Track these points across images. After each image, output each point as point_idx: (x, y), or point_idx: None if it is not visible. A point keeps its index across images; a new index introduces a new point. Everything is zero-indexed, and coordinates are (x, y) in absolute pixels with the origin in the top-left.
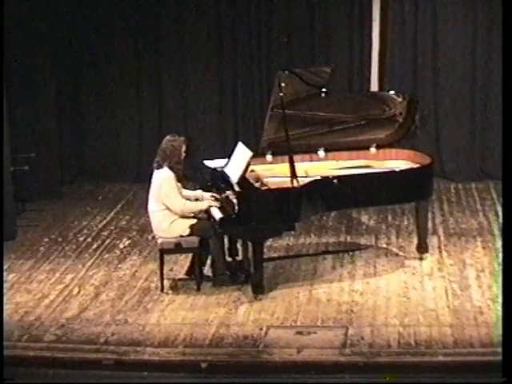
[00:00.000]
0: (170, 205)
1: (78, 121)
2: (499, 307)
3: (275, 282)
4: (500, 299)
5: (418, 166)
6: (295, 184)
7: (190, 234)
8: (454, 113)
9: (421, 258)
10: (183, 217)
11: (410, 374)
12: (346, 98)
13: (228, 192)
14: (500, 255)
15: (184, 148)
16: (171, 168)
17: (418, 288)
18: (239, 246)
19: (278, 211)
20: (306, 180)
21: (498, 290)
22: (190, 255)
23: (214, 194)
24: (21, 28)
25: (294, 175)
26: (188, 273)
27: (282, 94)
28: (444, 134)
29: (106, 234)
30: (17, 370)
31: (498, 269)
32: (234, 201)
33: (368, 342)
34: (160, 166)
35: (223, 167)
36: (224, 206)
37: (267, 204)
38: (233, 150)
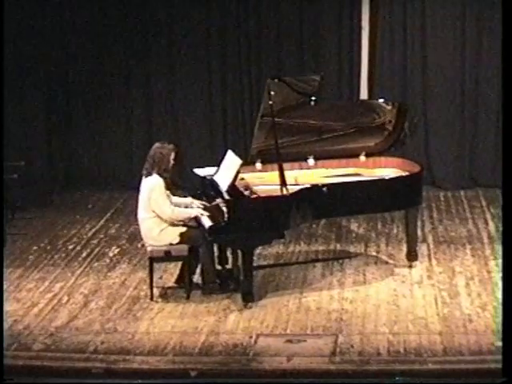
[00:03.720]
0: (159, 211)
1: (67, 129)
2: (489, 315)
3: (265, 290)
4: (489, 307)
5: (407, 174)
6: (285, 192)
7: (180, 242)
8: (444, 121)
9: (410, 266)
10: (173, 225)
11: (399, 382)
12: (336, 106)
13: (218, 200)
14: (489, 263)
15: (173, 156)
16: (160, 175)
17: (407, 296)
18: (229, 254)
19: (268, 219)
20: (296, 188)
21: (487, 297)
22: (180, 263)
23: (204, 202)
24: (10, 36)
25: (283, 183)
26: (178, 281)
27: (271, 103)
28: (433, 142)
29: (95, 242)
30: (5, 379)
31: (488, 276)
32: (224, 209)
33: (358, 349)
34: (149, 174)
35: (213, 175)
36: (213, 214)
37: (257, 212)
38: (222, 158)
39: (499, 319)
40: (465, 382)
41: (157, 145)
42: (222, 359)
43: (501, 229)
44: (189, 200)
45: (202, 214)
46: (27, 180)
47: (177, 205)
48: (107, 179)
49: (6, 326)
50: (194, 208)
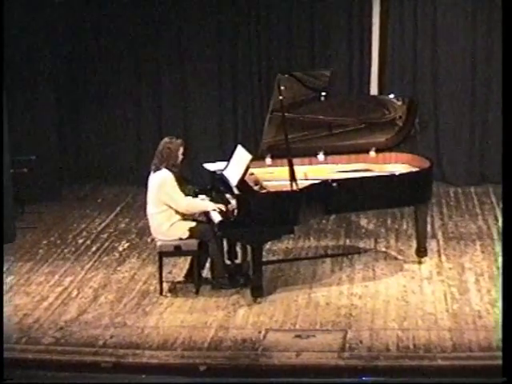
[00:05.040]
0: (173, 204)
1: (77, 123)
2: (498, 311)
3: (274, 285)
4: (499, 302)
5: (417, 169)
6: (294, 187)
7: (190, 237)
8: (454, 117)
9: (420, 262)
10: (183, 219)
11: (408, 378)
12: (346, 102)
13: (227, 195)
14: (499, 259)
15: (181, 151)
16: (169, 170)
17: (416, 292)
18: (238, 249)
19: (278, 214)
20: (306, 183)
21: (496, 293)
22: (189, 258)
23: (221, 206)
24: (20, 30)
25: (293, 178)
26: (187, 276)
27: (281, 98)
28: (443, 137)
29: (105, 236)
30: (15, 373)
31: (497, 273)
32: (233, 203)
33: (367, 345)
34: (158, 168)
35: (222, 170)
36: (227, 209)
37: (266, 207)
38: (232, 153)
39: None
40: (470, 382)
41: (165, 140)
42: (231, 354)
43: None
44: (199, 199)
45: (219, 209)
46: (37, 174)
47: None
48: (117, 174)
49: (15, 319)
50: (210, 203)
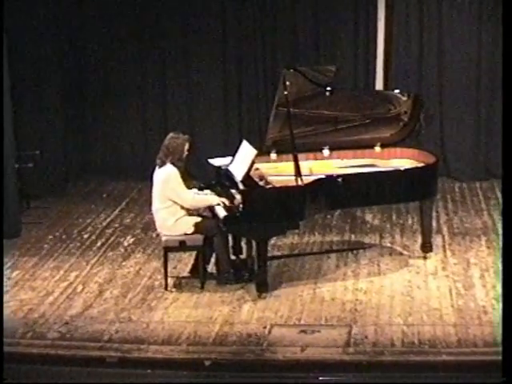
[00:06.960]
0: (178, 200)
1: (82, 118)
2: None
3: (279, 280)
4: (501, 301)
5: (422, 164)
6: (299, 182)
7: (195, 232)
8: (459, 112)
9: (425, 257)
10: (188, 215)
11: (413, 373)
12: (351, 97)
13: (232, 190)
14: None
15: (187, 146)
16: (174, 164)
17: (422, 287)
18: (243, 244)
19: (283, 209)
20: (311, 178)
21: (502, 289)
22: (194, 253)
23: (224, 200)
24: (26, 27)
25: (298, 174)
26: (192, 271)
27: (286, 93)
28: (449, 133)
29: (110, 231)
30: (20, 367)
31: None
32: (239, 198)
33: (372, 340)
34: (163, 163)
35: (227, 165)
36: (232, 203)
37: (271, 202)
38: (237, 148)
39: None
40: (474, 377)
41: (171, 135)
42: (236, 349)
43: None
44: (203, 193)
45: (224, 203)
46: (42, 169)
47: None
48: (122, 168)
49: (21, 314)
50: (215, 197)
